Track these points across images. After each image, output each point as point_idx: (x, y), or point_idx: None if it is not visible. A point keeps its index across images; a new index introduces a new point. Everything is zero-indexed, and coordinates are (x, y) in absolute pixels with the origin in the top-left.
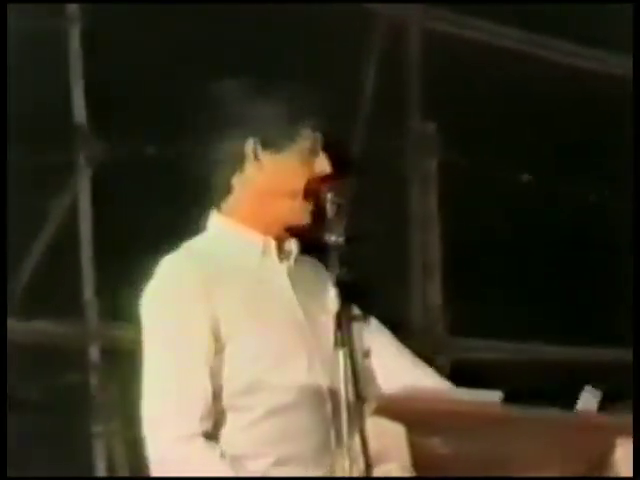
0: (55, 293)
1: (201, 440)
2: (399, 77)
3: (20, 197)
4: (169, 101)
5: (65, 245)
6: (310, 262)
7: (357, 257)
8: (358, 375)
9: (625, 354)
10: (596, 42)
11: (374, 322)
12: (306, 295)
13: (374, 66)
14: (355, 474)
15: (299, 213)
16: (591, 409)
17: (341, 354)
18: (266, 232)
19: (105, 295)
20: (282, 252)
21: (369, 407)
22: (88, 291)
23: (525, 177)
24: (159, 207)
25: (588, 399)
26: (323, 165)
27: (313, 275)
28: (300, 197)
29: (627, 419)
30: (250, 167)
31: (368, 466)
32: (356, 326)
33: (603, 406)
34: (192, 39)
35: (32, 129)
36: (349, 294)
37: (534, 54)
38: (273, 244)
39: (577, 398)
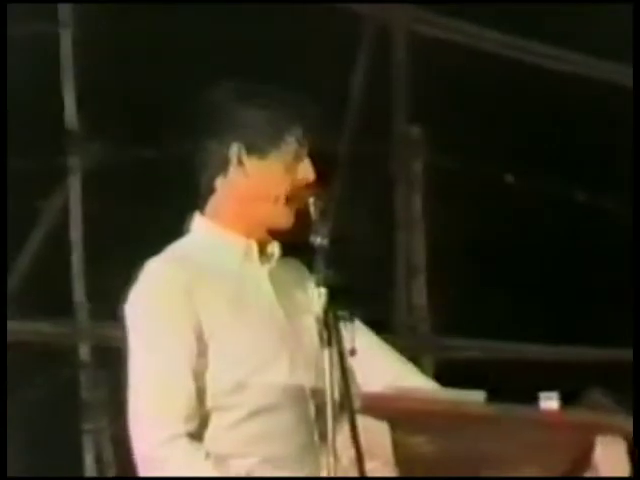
0: (46, 293)
1: (185, 440)
2: (385, 80)
3: (12, 199)
4: (159, 105)
5: (56, 246)
6: (292, 264)
7: (342, 258)
8: (346, 373)
9: (609, 353)
10: (579, 46)
11: (357, 322)
12: (288, 297)
13: (360, 69)
14: (339, 471)
15: (281, 217)
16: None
17: (327, 353)
18: (248, 235)
19: (95, 295)
20: (264, 254)
21: (356, 405)
22: (79, 291)
23: (509, 178)
24: (148, 209)
25: (547, 404)
26: (307, 171)
27: (295, 277)
28: (283, 202)
29: (606, 417)
30: (234, 171)
31: (359, 461)
32: (341, 326)
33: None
34: (181, 43)
35: (24, 132)
36: (334, 294)
37: (518, 58)
38: (255, 247)
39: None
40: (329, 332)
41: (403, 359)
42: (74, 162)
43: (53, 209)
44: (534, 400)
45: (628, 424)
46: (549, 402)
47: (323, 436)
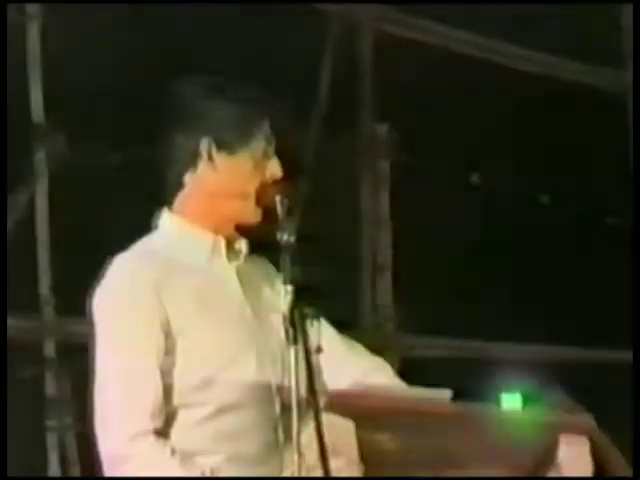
0: (12, 288)
1: (151, 437)
2: (352, 79)
3: None
4: (128, 99)
5: (22, 241)
6: (260, 261)
7: (309, 256)
8: (313, 371)
9: (575, 352)
10: (548, 47)
11: (322, 320)
12: (255, 294)
13: (327, 68)
14: (304, 469)
15: (249, 214)
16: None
17: (292, 351)
18: (216, 231)
19: (61, 290)
20: (232, 251)
21: (321, 402)
22: (44, 286)
23: (475, 178)
24: (115, 205)
25: (510, 403)
26: (275, 168)
27: (262, 274)
28: (251, 198)
29: (570, 416)
30: (203, 166)
31: (323, 459)
32: (307, 324)
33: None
34: (150, 39)
35: None
36: (300, 292)
37: (486, 58)
38: (223, 243)
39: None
40: (295, 330)
41: (370, 355)
42: (40, 156)
43: (20, 203)
44: (498, 399)
45: (591, 423)
46: (512, 401)
47: (288, 434)
